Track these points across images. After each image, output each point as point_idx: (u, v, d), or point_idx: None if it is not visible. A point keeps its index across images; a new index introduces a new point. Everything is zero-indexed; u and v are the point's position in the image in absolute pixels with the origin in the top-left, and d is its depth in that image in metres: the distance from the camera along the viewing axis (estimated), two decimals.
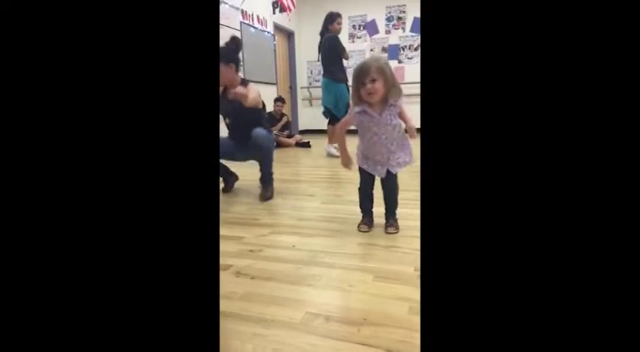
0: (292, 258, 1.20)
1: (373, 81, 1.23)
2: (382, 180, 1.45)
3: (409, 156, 1.41)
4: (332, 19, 3.31)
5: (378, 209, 1.47)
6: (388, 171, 1.40)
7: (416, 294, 0.94)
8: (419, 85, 5.64)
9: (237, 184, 2.32)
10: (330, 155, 3.55)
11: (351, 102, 1.38)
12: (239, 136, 1.98)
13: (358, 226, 1.46)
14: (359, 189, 1.49)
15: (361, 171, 1.45)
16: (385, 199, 1.47)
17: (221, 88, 1.96)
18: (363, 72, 1.24)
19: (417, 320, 0.83)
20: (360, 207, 1.51)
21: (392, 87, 1.28)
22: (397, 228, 1.43)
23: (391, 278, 1.04)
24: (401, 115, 1.35)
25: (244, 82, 1.95)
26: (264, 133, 1.92)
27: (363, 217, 1.50)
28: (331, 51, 3.29)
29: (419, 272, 1.05)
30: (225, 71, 1.87)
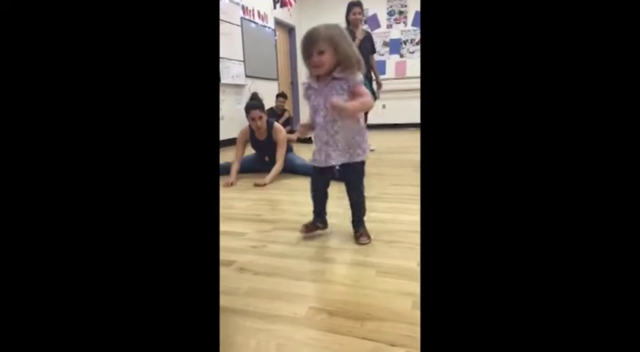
0: (295, 254, 1.21)
1: (321, 53, 1.09)
2: (343, 178, 1.26)
3: (362, 155, 1.21)
4: (347, 9, 3.23)
5: (382, 204, 1.46)
6: (347, 166, 1.21)
7: (419, 289, 0.94)
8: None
9: (239, 180, 2.34)
10: None
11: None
12: (262, 160, 2.59)
13: (300, 228, 1.34)
14: (311, 183, 1.32)
15: (313, 167, 1.29)
16: (349, 200, 1.30)
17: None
18: (310, 41, 1.09)
19: (419, 314, 0.83)
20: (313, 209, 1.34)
21: (346, 60, 1.10)
22: (369, 236, 1.27)
23: (394, 273, 1.04)
24: (355, 92, 1.12)
25: (269, 123, 2.47)
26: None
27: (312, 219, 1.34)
28: None
29: None
30: (262, 119, 2.41)
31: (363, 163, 1.24)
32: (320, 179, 1.29)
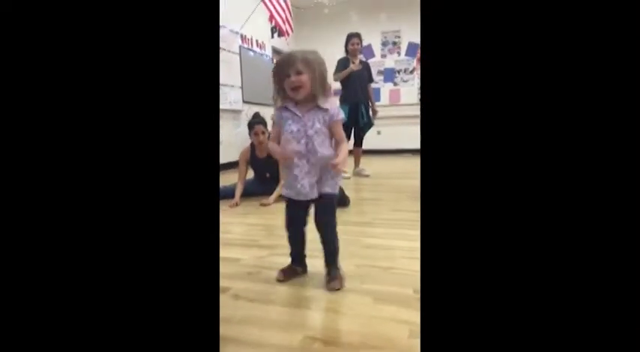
0: (290, 281, 1.19)
1: (299, 73, 1.02)
2: (315, 214, 1.14)
3: (334, 187, 1.12)
4: (346, 40, 3.37)
5: (379, 230, 1.44)
6: (317, 200, 1.11)
7: (416, 317, 0.93)
8: (414, 106, 5.75)
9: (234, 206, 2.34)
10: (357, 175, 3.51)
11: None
12: (263, 178, 2.60)
13: (277, 273, 1.19)
14: (286, 223, 1.18)
15: (287, 205, 1.16)
16: (321, 237, 1.16)
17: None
18: (286, 63, 1.04)
19: (416, 343, 0.82)
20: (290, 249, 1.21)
21: (322, 86, 1.06)
22: (342, 280, 1.13)
23: (390, 300, 1.03)
24: (333, 129, 1.09)
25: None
26: None
27: (291, 262, 1.21)
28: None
29: (418, 294, 1.05)
30: (264, 134, 2.48)
31: (334, 197, 1.15)
32: (298, 216, 1.16)
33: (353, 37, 3.34)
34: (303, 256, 1.22)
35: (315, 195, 1.10)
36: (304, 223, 1.18)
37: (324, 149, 1.08)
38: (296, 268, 1.21)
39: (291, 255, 1.22)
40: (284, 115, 1.10)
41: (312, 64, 1.04)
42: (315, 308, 1.02)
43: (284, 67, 1.04)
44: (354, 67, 3.27)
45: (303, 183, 1.08)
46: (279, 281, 1.17)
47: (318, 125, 1.07)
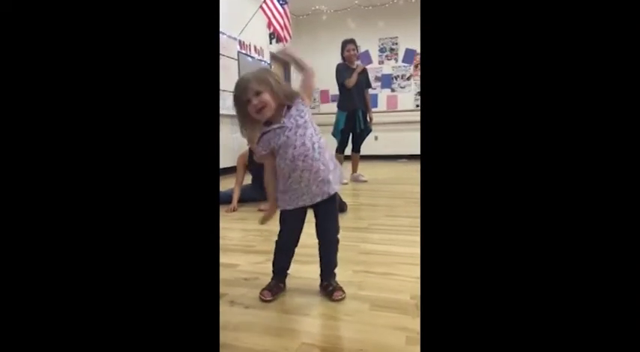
0: (287, 286, 1.18)
1: (258, 94, 1.00)
2: (317, 224, 1.12)
3: (339, 173, 1.10)
4: (342, 47, 3.39)
5: (376, 236, 1.44)
6: (324, 202, 1.07)
7: (413, 324, 0.93)
8: (411, 112, 5.78)
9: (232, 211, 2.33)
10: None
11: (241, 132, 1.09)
12: (261, 183, 2.54)
13: (260, 293, 1.11)
14: (277, 240, 1.15)
15: (284, 217, 1.13)
16: (321, 251, 1.13)
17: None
18: (242, 88, 1.02)
19: (414, 350, 0.81)
20: (273, 265, 1.15)
21: (285, 95, 1.04)
22: (343, 290, 1.10)
23: (388, 306, 1.03)
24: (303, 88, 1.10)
25: None
26: None
27: (272, 279, 1.15)
28: (336, 79, 3.37)
29: (416, 301, 1.04)
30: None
31: (335, 199, 1.10)
32: (291, 234, 1.13)
33: (348, 44, 3.36)
34: (288, 269, 1.17)
35: (329, 190, 1.06)
36: (300, 232, 1.14)
37: (315, 138, 1.05)
38: (280, 284, 1.15)
39: (277, 270, 1.16)
40: (269, 138, 1.05)
41: (266, 79, 1.02)
42: (312, 314, 1.01)
43: (240, 93, 1.02)
44: (359, 69, 3.29)
45: (309, 186, 1.04)
46: (266, 301, 1.08)
47: (300, 120, 1.04)
